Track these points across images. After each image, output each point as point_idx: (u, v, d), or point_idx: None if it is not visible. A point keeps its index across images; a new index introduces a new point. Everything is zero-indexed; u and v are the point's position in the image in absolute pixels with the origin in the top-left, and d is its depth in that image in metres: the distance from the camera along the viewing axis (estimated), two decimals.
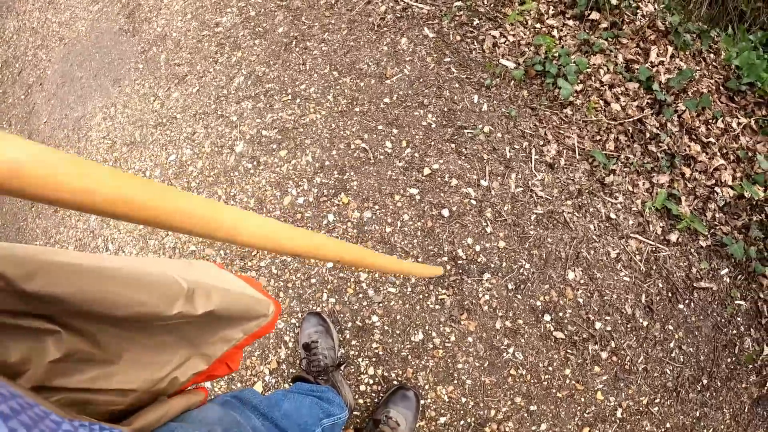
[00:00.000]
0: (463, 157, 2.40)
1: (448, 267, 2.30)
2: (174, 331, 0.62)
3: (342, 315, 2.27)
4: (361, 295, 2.28)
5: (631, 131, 2.66)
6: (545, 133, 2.54)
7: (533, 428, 2.09)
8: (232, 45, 2.94)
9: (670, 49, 2.91)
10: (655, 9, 3.01)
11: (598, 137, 2.58)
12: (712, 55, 3.00)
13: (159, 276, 0.56)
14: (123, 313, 0.51)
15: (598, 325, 2.25)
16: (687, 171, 2.71)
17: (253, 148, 2.56)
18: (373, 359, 2.15)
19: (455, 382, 2.11)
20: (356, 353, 2.16)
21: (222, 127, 2.67)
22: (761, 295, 2.48)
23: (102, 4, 3.82)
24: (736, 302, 2.43)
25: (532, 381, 2.15)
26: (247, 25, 2.98)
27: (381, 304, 2.27)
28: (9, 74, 4.10)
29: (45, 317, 0.47)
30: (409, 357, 2.13)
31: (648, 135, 2.68)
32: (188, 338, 0.65)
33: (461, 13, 2.78)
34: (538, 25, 2.83)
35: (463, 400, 2.10)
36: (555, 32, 2.86)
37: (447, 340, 2.15)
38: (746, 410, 2.26)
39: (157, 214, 0.41)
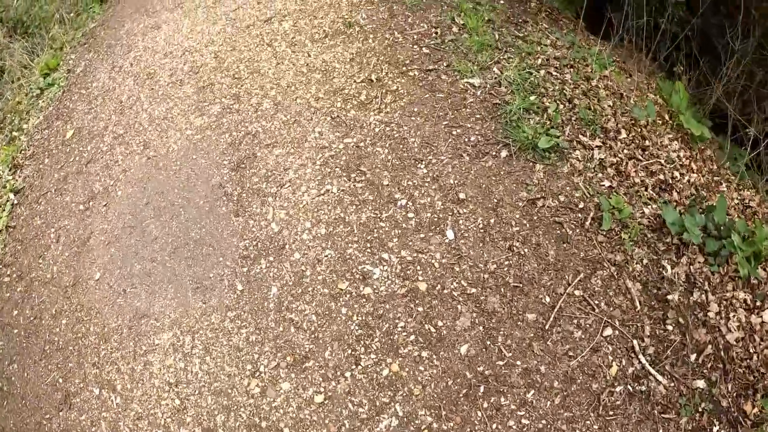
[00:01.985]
0: None
1: None
2: None
3: None
4: None
5: None
6: None
7: None
8: (385, 338, 1.51)
9: None
10: None
11: None
12: None
13: None
14: None
15: None
16: None
17: None
18: None
19: None
20: None
21: None
22: None
23: (208, 120, 2.30)
24: None
25: None
26: (412, 306, 1.55)
27: None
28: (77, 153, 2.61)
29: None
30: None
31: None
32: None
33: (702, 406, 1.54)
34: None
35: None
36: None
37: None
38: None
39: None
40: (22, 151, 2.87)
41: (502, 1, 2.83)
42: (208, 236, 1.89)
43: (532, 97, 2.07)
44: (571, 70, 2.30)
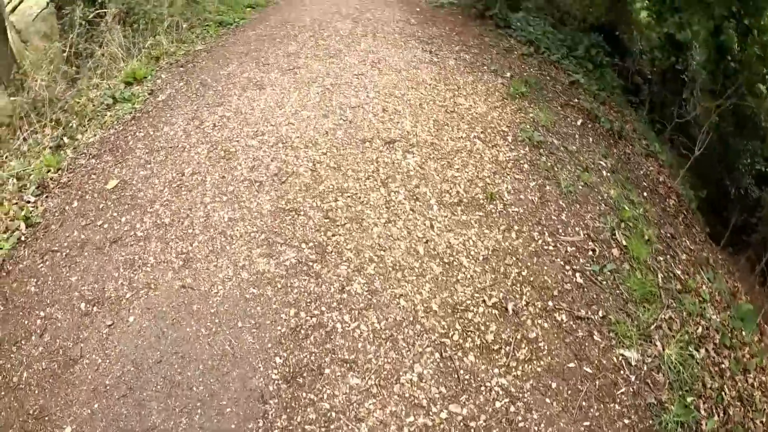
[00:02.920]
0: None
1: None
2: None
3: None
4: None
5: None
6: None
7: None
8: None
9: None
10: None
11: None
12: None
13: None
14: None
15: None
16: None
17: None
18: None
19: None
20: None
21: None
22: None
23: (274, 270, 1.47)
24: None
25: None
26: None
27: None
28: (109, 219, 1.77)
29: None
30: None
31: None
32: None
33: None
34: None
35: None
36: None
37: None
38: None
39: None
40: (60, 171, 2.20)
41: (645, 194, 2.18)
42: None
43: (689, 398, 1.34)
44: (730, 353, 1.57)
